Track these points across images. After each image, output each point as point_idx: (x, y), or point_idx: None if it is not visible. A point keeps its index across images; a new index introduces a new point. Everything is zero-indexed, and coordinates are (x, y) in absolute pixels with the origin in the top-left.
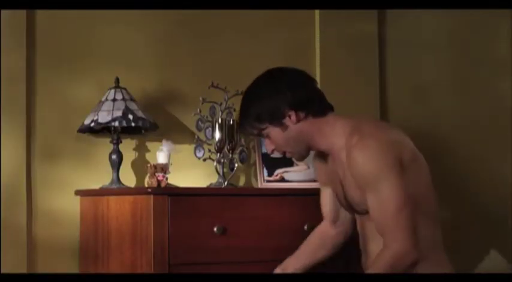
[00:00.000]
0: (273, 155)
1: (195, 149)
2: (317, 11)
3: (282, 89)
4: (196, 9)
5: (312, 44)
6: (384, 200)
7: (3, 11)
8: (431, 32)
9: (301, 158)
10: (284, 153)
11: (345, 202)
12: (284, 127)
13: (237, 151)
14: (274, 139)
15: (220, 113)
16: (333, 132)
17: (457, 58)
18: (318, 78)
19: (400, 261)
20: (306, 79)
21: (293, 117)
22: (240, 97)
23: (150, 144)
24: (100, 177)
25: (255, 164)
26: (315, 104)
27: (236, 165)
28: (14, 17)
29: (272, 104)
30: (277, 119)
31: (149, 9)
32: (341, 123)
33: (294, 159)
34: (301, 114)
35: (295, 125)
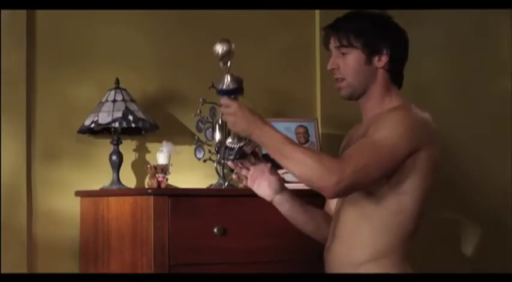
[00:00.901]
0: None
1: (195, 150)
2: (317, 12)
3: (395, 31)
4: (197, 10)
5: (312, 45)
6: (370, 137)
7: (3, 11)
8: (431, 32)
9: (349, 97)
10: (339, 80)
11: None
12: (368, 60)
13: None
14: (349, 62)
15: (220, 114)
16: (390, 100)
17: (456, 58)
18: (318, 79)
19: (320, 175)
20: (408, 45)
21: (384, 59)
22: (240, 98)
23: (150, 145)
24: (100, 178)
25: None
26: (400, 68)
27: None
28: (14, 18)
29: (379, 34)
30: (371, 49)
31: (149, 9)
32: (399, 95)
33: None
34: (389, 65)
35: (377, 67)
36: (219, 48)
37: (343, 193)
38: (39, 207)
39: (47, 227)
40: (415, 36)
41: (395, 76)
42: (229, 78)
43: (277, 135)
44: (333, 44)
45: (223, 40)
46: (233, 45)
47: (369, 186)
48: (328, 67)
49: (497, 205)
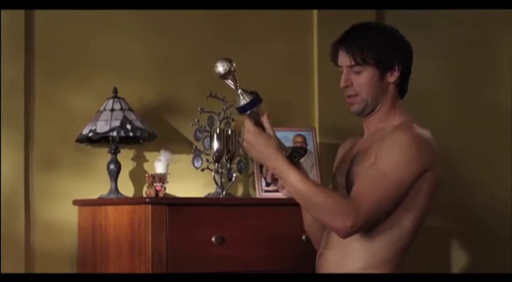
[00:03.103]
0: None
1: (193, 159)
2: (315, 19)
3: (405, 45)
4: (195, 20)
5: (311, 54)
6: (378, 168)
7: (2, 21)
8: (429, 39)
9: (360, 112)
10: (351, 96)
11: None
12: (381, 76)
13: (235, 161)
14: (362, 79)
15: (218, 123)
16: (394, 115)
17: (454, 65)
18: (316, 88)
19: (334, 218)
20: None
21: (396, 74)
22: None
23: (148, 154)
24: (98, 187)
25: (253, 174)
26: (407, 81)
27: (234, 175)
28: (12, 27)
29: (391, 50)
30: (385, 66)
31: (147, 17)
32: (404, 110)
33: None
34: (399, 80)
35: (389, 82)
36: (220, 68)
37: (356, 233)
38: (37, 216)
39: (45, 236)
40: (412, 43)
41: (403, 89)
42: (242, 94)
43: (291, 171)
44: (344, 61)
45: (223, 59)
46: (234, 65)
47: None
48: (342, 85)
49: (498, 214)
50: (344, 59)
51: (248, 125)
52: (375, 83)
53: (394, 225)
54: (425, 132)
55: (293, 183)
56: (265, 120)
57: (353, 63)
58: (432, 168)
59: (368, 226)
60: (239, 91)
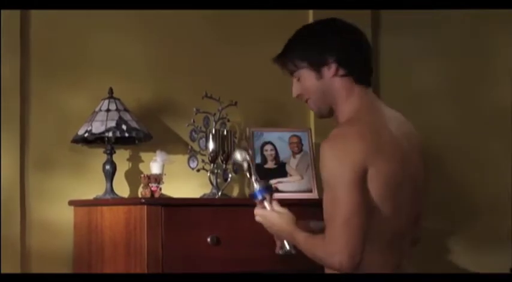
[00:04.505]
0: (266, 166)
1: (189, 159)
2: (311, 19)
3: (335, 36)
4: (190, 20)
5: None
6: (335, 202)
7: None
8: (425, 39)
9: (320, 115)
10: (306, 101)
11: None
12: (319, 75)
13: (231, 161)
14: (304, 83)
15: (214, 124)
16: (349, 106)
17: (452, 66)
18: None
19: (328, 263)
20: (362, 40)
21: (332, 69)
22: (234, 108)
23: (143, 155)
24: (94, 188)
25: None
26: (359, 67)
27: (230, 175)
28: (8, 27)
29: (319, 46)
30: (316, 64)
31: (143, 18)
32: (356, 103)
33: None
34: (341, 71)
35: (330, 78)
36: (238, 156)
37: (355, 259)
38: (33, 216)
39: (41, 236)
40: (409, 45)
41: (358, 76)
42: (256, 182)
43: (296, 235)
44: (285, 72)
45: (242, 149)
46: (248, 156)
47: (365, 227)
48: (293, 96)
49: (497, 210)
50: (284, 71)
51: (256, 210)
52: (315, 84)
53: None
54: (351, 131)
55: (300, 245)
56: (274, 204)
57: (290, 71)
58: (371, 164)
59: (360, 246)
60: (253, 180)
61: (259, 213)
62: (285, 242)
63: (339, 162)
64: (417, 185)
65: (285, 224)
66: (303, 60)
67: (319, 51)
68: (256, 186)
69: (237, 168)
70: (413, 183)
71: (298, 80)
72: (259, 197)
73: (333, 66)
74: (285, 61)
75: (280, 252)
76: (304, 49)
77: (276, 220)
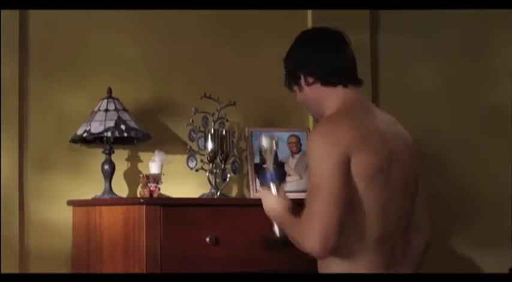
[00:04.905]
0: (265, 165)
1: (188, 159)
2: (309, 19)
3: (299, 51)
4: (189, 20)
5: None
6: (315, 187)
7: None
8: (425, 41)
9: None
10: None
11: None
12: (300, 87)
13: (230, 161)
14: (297, 97)
15: (212, 124)
16: (332, 107)
17: (451, 66)
18: None
19: (301, 246)
20: (327, 44)
21: (304, 79)
22: (232, 107)
23: (142, 155)
24: (92, 188)
25: (247, 174)
26: (324, 72)
27: (229, 175)
28: (6, 27)
29: (291, 64)
30: (295, 79)
31: (141, 17)
32: (338, 100)
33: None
34: (310, 79)
35: (307, 88)
36: (264, 143)
37: (327, 244)
38: (32, 216)
39: (40, 236)
40: (408, 45)
41: (325, 80)
42: (272, 168)
43: (285, 225)
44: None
45: (269, 136)
46: (274, 144)
47: (342, 216)
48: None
49: (497, 210)
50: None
51: (261, 189)
52: (301, 96)
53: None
54: (337, 120)
55: (286, 230)
56: (280, 191)
57: (291, 90)
58: (355, 153)
59: (330, 234)
60: (271, 164)
61: (261, 193)
62: (276, 227)
63: (324, 147)
64: (408, 186)
65: (279, 209)
66: (289, 79)
67: (293, 68)
68: (271, 169)
69: (264, 153)
70: (403, 183)
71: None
72: (268, 179)
73: (303, 78)
74: (285, 83)
75: (273, 238)
76: (286, 69)
77: (272, 203)
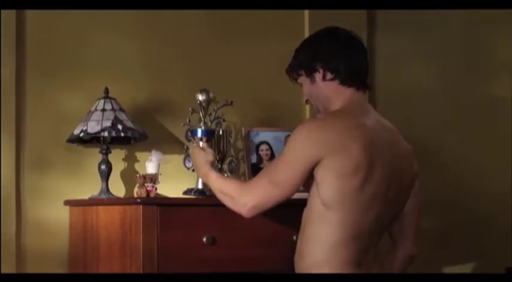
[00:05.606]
0: (261, 165)
1: (185, 159)
2: (306, 19)
3: (323, 45)
4: (185, 20)
5: None
6: (275, 163)
7: None
8: (422, 40)
9: (317, 112)
10: (308, 101)
11: None
12: (313, 80)
13: (227, 161)
14: (304, 88)
15: (209, 123)
16: (336, 105)
17: (449, 66)
18: None
19: (232, 202)
20: (352, 46)
21: (321, 74)
22: (229, 108)
23: (139, 155)
24: (89, 187)
25: (244, 174)
26: (344, 72)
27: (225, 175)
28: (3, 27)
29: (310, 56)
30: (309, 71)
31: (138, 18)
32: (344, 100)
33: None
34: (329, 75)
35: (321, 82)
36: (200, 97)
37: (255, 211)
38: (29, 216)
39: (36, 236)
40: (405, 45)
41: (343, 80)
42: (203, 124)
43: (209, 177)
44: (293, 81)
45: (203, 90)
46: (211, 95)
47: (281, 201)
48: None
49: (497, 211)
50: (292, 80)
51: (192, 144)
52: (311, 88)
53: (319, 221)
54: (337, 123)
55: (210, 182)
56: (206, 146)
57: (293, 79)
58: (330, 156)
59: (264, 205)
60: (202, 122)
61: (191, 147)
62: (199, 180)
63: (304, 142)
64: (392, 190)
65: (203, 162)
66: (301, 69)
67: (310, 60)
68: (201, 126)
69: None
70: (386, 186)
71: (301, 85)
72: (198, 135)
73: (321, 72)
74: (292, 71)
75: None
76: (301, 59)
77: (199, 157)
